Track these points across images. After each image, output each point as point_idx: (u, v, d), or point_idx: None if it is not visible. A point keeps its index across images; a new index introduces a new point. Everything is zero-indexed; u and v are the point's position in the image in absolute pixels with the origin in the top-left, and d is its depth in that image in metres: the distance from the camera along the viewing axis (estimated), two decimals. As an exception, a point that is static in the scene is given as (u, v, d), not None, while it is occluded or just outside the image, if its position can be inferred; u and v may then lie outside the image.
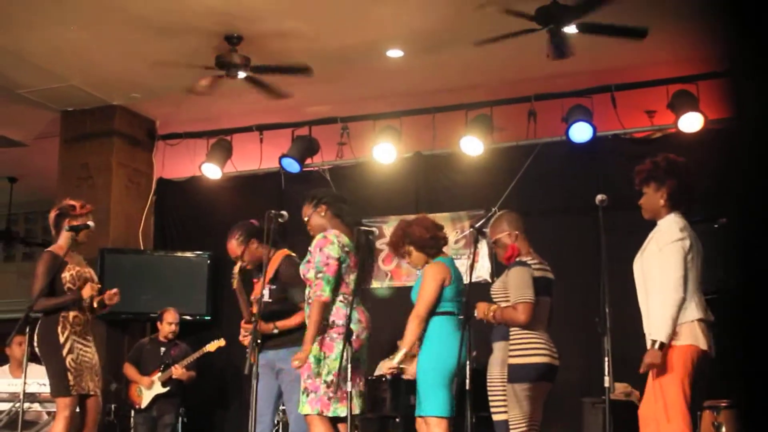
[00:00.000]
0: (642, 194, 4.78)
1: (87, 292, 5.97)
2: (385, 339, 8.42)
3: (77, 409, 5.94)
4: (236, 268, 5.99)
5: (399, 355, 5.23)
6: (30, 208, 13.54)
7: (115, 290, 6.12)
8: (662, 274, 4.53)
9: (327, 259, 5.20)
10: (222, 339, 8.32)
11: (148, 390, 8.36)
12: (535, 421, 5.23)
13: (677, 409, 4.41)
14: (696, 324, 4.51)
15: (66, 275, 5.98)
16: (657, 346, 4.40)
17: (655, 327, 4.46)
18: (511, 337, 5.24)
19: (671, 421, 4.39)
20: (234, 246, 6.00)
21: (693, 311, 4.52)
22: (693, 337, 4.47)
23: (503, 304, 5.31)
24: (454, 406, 5.26)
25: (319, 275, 5.19)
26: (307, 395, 5.17)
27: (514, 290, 5.23)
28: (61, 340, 5.91)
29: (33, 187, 11.94)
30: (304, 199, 5.63)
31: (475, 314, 5.31)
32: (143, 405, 8.34)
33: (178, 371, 8.30)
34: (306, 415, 5.21)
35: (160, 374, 8.35)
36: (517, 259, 5.39)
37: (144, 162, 9.88)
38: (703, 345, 4.49)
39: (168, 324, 8.56)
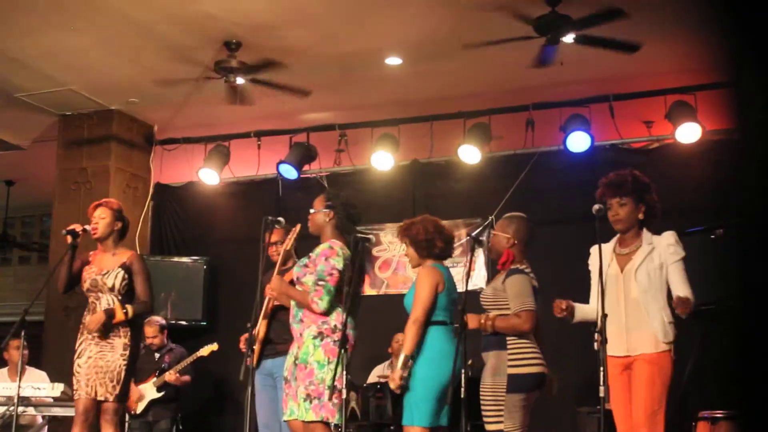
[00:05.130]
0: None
1: (92, 325, 5.92)
2: (379, 346, 8.42)
3: (87, 413, 5.89)
4: (297, 227, 5.77)
5: (401, 361, 5.18)
6: (27, 212, 13.54)
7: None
8: (684, 280, 4.78)
9: (331, 269, 5.24)
10: (215, 343, 8.30)
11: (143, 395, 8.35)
12: (526, 429, 5.23)
13: (660, 414, 4.67)
14: None
15: (84, 275, 6.07)
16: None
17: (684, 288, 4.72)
18: (509, 347, 5.21)
19: (656, 421, 4.64)
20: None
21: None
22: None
23: (494, 311, 5.29)
24: (445, 416, 5.24)
25: (321, 283, 5.22)
26: (311, 402, 5.13)
27: (515, 298, 5.21)
28: (76, 345, 5.98)
29: (30, 190, 11.94)
30: (324, 191, 5.64)
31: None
32: (138, 411, 8.32)
33: (171, 376, 8.28)
34: (309, 422, 5.17)
35: (155, 379, 8.33)
36: (514, 267, 5.37)
37: (142, 167, 9.88)
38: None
39: (146, 337, 8.47)
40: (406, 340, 5.21)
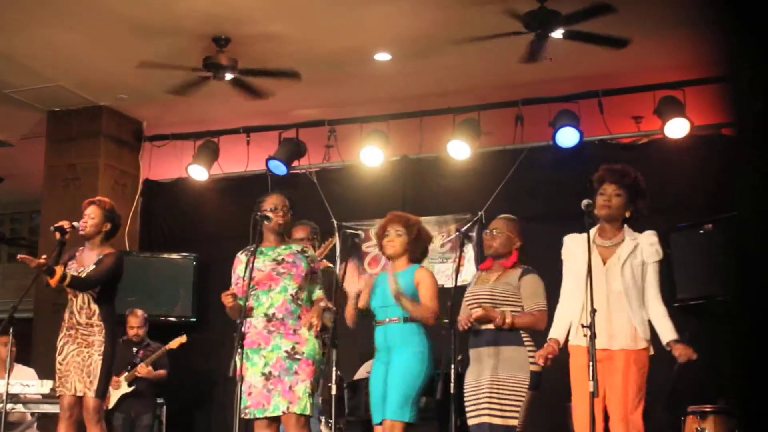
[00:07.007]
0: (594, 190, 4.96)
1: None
2: (368, 342, 8.42)
3: (71, 409, 5.90)
4: (332, 241, 5.91)
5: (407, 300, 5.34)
6: (16, 208, 13.51)
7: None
8: (657, 285, 4.82)
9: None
10: (184, 336, 8.32)
11: (115, 390, 8.28)
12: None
13: (641, 406, 4.68)
14: None
15: (66, 272, 6.01)
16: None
17: (668, 329, 4.69)
18: (527, 345, 5.18)
19: (635, 412, 4.66)
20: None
21: None
22: None
23: (506, 307, 5.24)
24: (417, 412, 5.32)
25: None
26: (311, 397, 5.18)
27: (530, 297, 5.21)
28: (57, 341, 5.97)
29: (19, 187, 11.89)
30: (289, 198, 5.65)
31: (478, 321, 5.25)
32: (110, 405, 8.22)
33: (143, 370, 8.25)
34: (308, 416, 5.21)
35: (126, 374, 8.29)
36: (526, 267, 5.36)
37: (131, 163, 9.85)
38: None
39: (130, 328, 8.45)
40: (421, 309, 5.33)
